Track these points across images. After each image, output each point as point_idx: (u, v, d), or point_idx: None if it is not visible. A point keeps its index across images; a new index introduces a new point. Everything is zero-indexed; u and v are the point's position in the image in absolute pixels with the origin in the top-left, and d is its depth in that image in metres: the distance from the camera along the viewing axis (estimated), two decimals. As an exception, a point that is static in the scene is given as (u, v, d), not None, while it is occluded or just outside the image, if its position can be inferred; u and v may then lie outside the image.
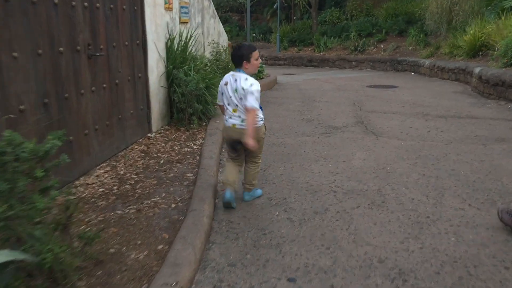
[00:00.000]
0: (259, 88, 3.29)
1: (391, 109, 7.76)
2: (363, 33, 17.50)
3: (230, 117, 3.36)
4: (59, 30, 3.45)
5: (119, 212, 3.28)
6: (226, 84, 3.33)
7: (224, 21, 28.40)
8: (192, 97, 5.39)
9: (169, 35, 5.85)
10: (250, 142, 3.21)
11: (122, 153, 4.60)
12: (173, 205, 3.43)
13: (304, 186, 4.01)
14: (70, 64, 3.61)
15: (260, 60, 3.41)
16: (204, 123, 5.87)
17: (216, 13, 9.80)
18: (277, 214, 3.40)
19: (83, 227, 2.99)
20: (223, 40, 10.80)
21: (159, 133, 5.44)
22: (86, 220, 3.12)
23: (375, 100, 8.84)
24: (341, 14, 20.46)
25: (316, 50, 18.21)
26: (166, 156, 4.64)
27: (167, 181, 3.94)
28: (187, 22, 7.82)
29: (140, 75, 4.94)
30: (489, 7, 12.37)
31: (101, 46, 4.10)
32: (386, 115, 7.28)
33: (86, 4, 3.82)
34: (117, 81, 4.41)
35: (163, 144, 5.02)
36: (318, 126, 6.53)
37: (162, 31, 5.55)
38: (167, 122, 5.81)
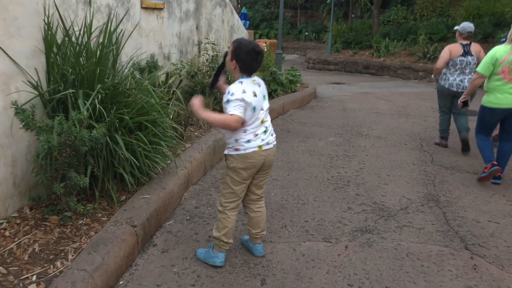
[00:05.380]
0: None
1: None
2: (435, 37, 13.87)
3: (256, 135, 2.39)
4: None
5: None
6: (255, 94, 2.36)
7: (276, 17, 25.50)
8: (67, 158, 2.45)
9: (69, 25, 3.01)
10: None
11: None
12: None
13: None
14: None
15: None
16: (124, 198, 2.99)
17: (227, 0, 6.88)
18: None
19: None
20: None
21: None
22: None
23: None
24: (408, 13, 16.99)
25: (374, 55, 14.82)
26: None
27: None
28: (160, 9, 4.99)
29: None
30: None
31: None
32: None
33: None
34: None
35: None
36: (353, 202, 3.52)
37: (26, 17, 2.69)
38: (39, 198, 2.79)
